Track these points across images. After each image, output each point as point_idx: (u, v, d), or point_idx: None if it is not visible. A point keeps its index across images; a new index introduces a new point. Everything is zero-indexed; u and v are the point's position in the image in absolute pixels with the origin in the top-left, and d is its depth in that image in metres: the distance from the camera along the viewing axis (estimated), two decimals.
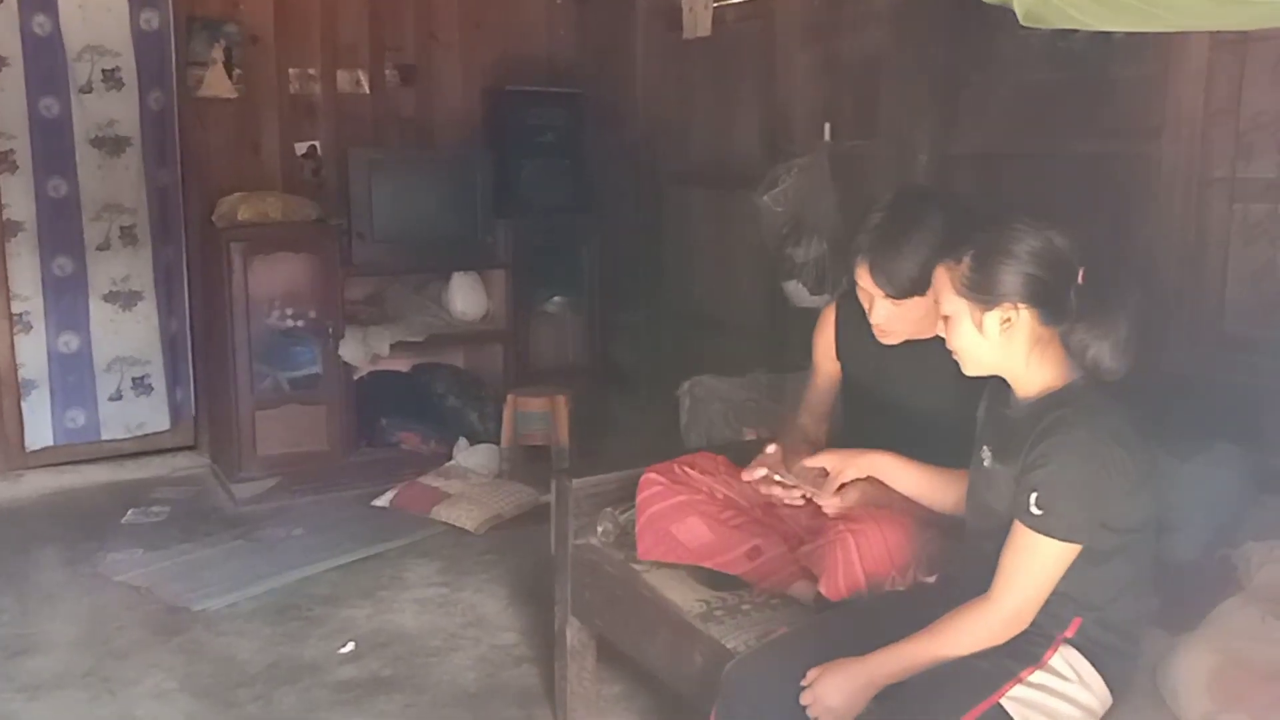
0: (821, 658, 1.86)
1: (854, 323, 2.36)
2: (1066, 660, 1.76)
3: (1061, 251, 1.76)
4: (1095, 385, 1.77)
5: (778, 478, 2.19)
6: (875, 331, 2.26)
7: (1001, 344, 1.79)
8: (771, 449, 2.23)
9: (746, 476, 2.23)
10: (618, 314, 4.98)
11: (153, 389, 4.63)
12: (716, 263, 4.59)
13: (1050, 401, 1.78)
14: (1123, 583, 1.79)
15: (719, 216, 4.54)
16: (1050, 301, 1.76)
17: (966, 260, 1.80)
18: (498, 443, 4.45)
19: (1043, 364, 1.80)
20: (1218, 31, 2.68)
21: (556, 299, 4.92)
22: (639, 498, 2.37)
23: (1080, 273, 1.75)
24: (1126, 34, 2.85)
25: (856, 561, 2.02)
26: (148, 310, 4.58)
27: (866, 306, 2.24)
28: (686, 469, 2.39)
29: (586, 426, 4.51)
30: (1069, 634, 1.77)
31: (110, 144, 4.43)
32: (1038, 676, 1.75)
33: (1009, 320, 1.78)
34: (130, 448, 4.64)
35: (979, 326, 1.80)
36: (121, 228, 4.49)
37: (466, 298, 4.74)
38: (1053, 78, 3.11)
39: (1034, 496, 1.72)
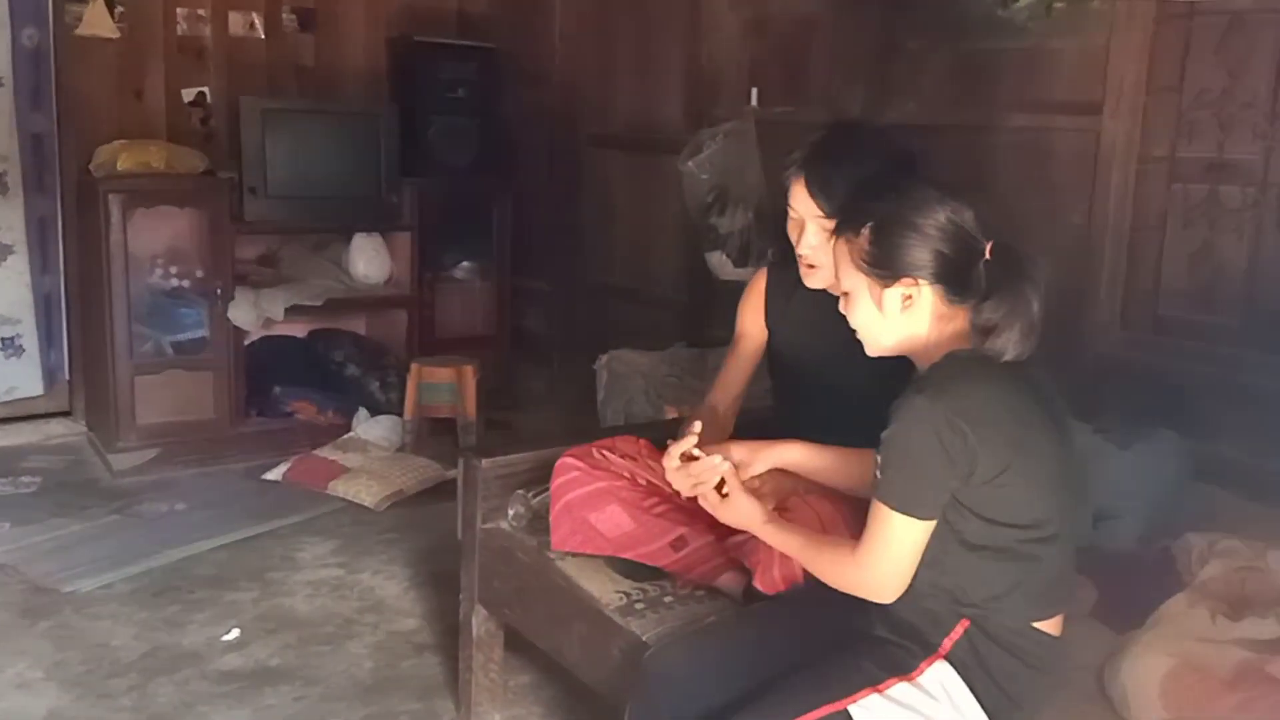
0: (747, 648, 1.80)
1: (784, 290, 2.27)
2: (939, 679, 1.63)
3: (967, 224, 1.65)
4: (977, 361, 1.64)
5: (696, 451, 1.99)
6: (801, 269, 2.13)
7: (902, 322, 1.69)
8: (697, 426, 2.07)
9: (667, 463, 2.04)
10: (530, 281, 4.94)
11: (24, 350, 4.46)
12: (636, 231, 4.56)
13: (930, 371, 1.68)
14: (1008, 582, 1.64)
15: (639, 182, 4.50)
16: (955, 278, 1.65)
17: (865, 232, 1.69)
18: (400, 414, 4.37)
19: (942, 343, 1.68)
20: (1163, 4, 2.64)
21: (465, 264, 4.86)
22: (554, 484, 2.23)
23: (989, 247, 1.64)
24: (1069, 3, 2.80)
25: None
26: (19, 265, 4.38)
27: (795, 237, 2.12)
28: (605, 452, 2.26)
29: (495, 399, 4.45)
30: (948, 646, 1.64)
31: None
32: (899, 689, 1.62)
33: (910, 297, 1.67)
34: None
35: (878, 303, 1.70)
36: None
37: (369, 260, 4.62)
38: (991, 47, 3.07)
39: (878, 459, 1.63)
